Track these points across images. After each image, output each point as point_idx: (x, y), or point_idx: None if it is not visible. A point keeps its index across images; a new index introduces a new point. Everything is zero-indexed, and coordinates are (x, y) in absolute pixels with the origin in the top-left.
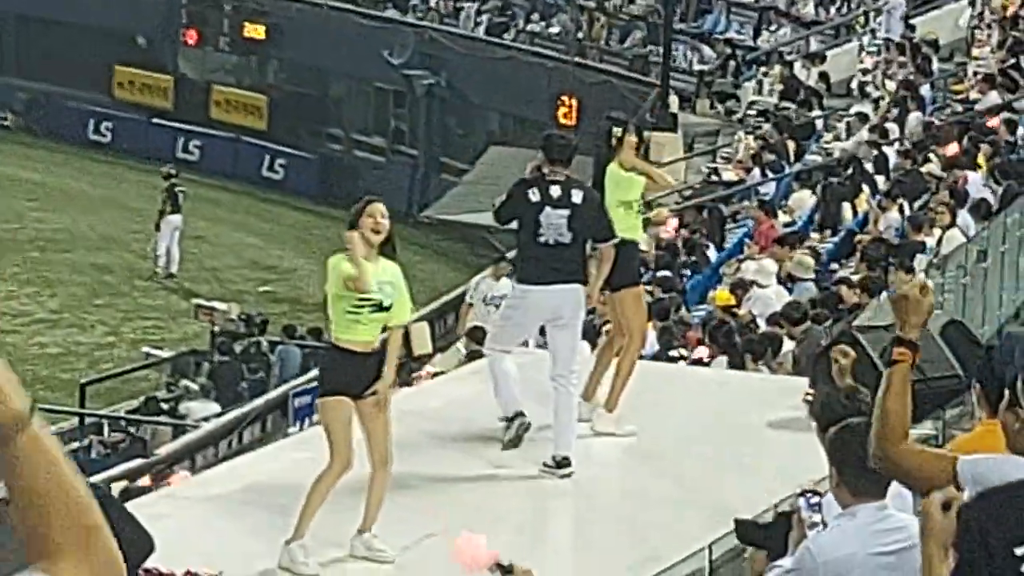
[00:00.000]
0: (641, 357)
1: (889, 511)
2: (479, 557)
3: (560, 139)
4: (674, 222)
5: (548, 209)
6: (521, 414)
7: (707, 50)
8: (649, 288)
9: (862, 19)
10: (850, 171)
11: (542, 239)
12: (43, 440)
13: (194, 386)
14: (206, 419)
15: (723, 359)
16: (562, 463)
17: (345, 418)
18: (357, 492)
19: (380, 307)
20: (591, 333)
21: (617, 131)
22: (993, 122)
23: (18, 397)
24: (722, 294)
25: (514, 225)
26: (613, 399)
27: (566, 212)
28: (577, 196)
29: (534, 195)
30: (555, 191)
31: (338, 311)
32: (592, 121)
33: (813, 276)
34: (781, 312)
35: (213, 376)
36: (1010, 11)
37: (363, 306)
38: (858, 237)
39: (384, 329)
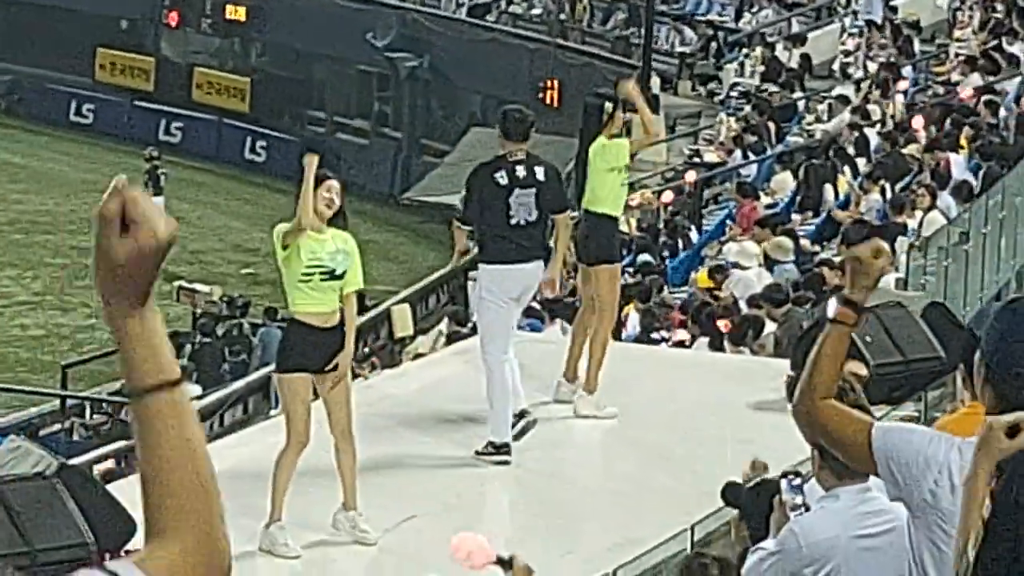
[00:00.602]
0: (622, 339)
1: (872, 493)
2: (479, 555)
3: (517, 114)
4: (668, 195)
5: (517, 190)
6: (507, 448)
7: (689, 32)
8: (630, 270)
9: (843, 1)
10: (831, 152)
11: (513, 220)
12: (184, 409)
13: None
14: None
15: (704, 341)
16: (502, 448)
17: (304, 395)
18: (331, 473)
19: (332, 275)
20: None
21: (609, 106)
22: (966, 93)
23: (171, 363)
24: (703, 276)
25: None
26: (591, 380)
27: (533, 191)
28: (540, 173)
29: (502, 178)
30: (521, 171)
31: (291, 283)
32: (575, 103)
33: (792, 258)
34: (763, 294)
35: (194, 358)
36: None
37: (312, 272)
38: (836, 213)
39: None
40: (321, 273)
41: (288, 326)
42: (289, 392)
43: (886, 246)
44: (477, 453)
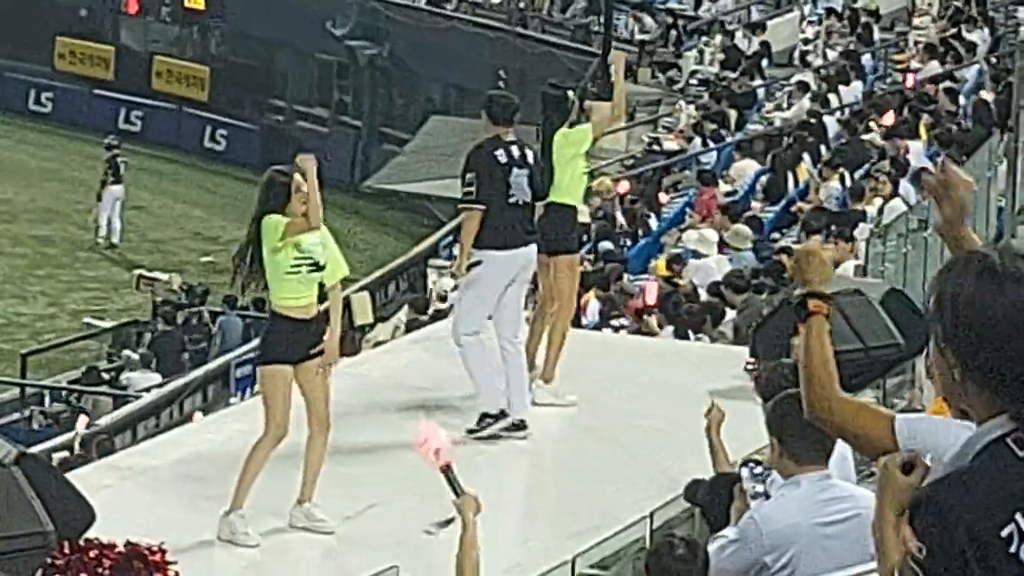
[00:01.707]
0: (582, 326)
1: (833, 480)
2: (439, 450)
3: (503, 99)
4: (624, 185)
5: (515, 170)
6: (505, 414)
7: (648, 20)
8: (589, 257)
9: None
10: (791, 140)
11: (512, 199)
12: None
13: (135, 357)
14: (147, 390)
15: (670, 329)
16: (519, 425)
17: (284, 387)
18: (298, 462)
19: (317, 266)
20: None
21: (572, 96)
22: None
23: None
24: (661, 264)
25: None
26: (549, 368)
27: (526, 171)
28: (530, 155)
29: (502, 156)
30: (515, 151)
31: (276, 276)
32: (533, 91)
33: (750, 246)
34: (724, 280)
35: (154, 347)
36: None
37: (300, 265)
38: (798, 205)
39: (322, 293)
40: (308, 265)
41: (271, 319)
42: (270, 384)
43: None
44: (470, 432)
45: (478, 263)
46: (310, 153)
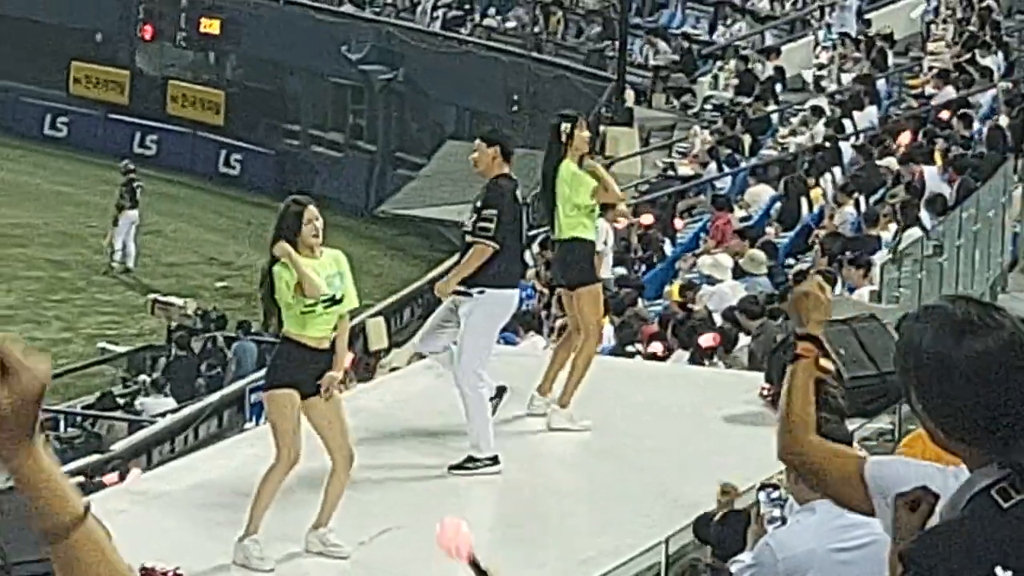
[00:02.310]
0: (596, 351)
1: None
2: (462, 545)
3: (506, 135)
4: (649, 217)
5: (523, 208)
6: (497, 460)
7: (663, 45)
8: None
9: (817, 14)
10: (806, 165)
11: (524, 239)
12: (99, 536)
13: (150, 381)
14: (162, 415)
15: (684, 354)
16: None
17: (292, 412)
18: (312, 486)
19: (333, 300)
20: (543, 328)
21: (566, 126)
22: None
23: (75, 497)
24: (675, 290)
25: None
26: (567, 395)
27: (525, 210)
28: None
29: (518, 195)
30: (519, 190)
31: (292, 314)
32: (547, 116)
33: (765, 271)
34: (738, 306)
35: (168, 372)
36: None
37: (315, 305)
38: (815, 232)
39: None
40: (324, 302)
41: (281, 344)
42: (277, 409)
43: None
44: (452, 468)
45: (467, 295)
46: (325, 178)
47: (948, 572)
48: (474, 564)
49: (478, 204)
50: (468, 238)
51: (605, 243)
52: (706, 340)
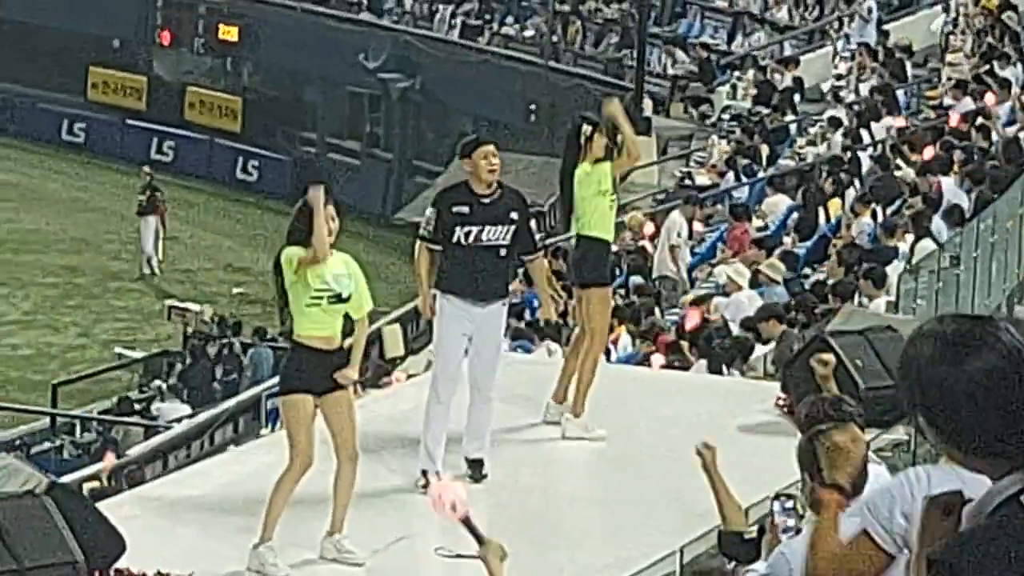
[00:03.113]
0: (613, 360)
1: None
2: (455, 503)
3: None
4: (650, 227)
5: None
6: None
7: (681, 54)
8: (621, 291)
9: (836, 24)
10: (824, 175)
11: None
12: None
13: (165, 387)
14: (178, 420)
15: (703, 364)
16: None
17: (306, 417)
18: (326, 492)
19: (339, 298)
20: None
21: (587, 129)
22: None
23: None
24: (688, 300)
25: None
26: (579, 403)
27: None
28: None
29: None
30: None
31: (298, 306)
32: (565, 124)
33: (781, 281)
34: (762, 313)
35: (184, 377)
36: (983, 20)
37: (321, 296)
38: (832, 242)
39: (347, 326)
40: (329, 297)
41: (292, 349)
42: (292, 414)
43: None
44: (479, 479)
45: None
46: (342, 185)
47: None
48: (467, 523)
49: (516, 216)
50: (529, 256)
51: (679, 235)
52: (692, 319)
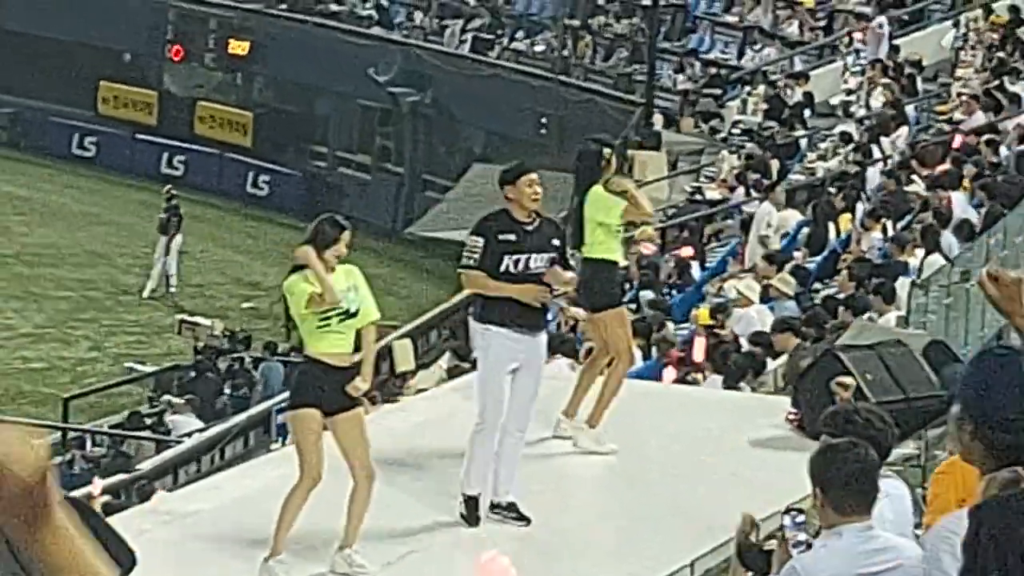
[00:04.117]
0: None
1: (875, 531)
2: None
3: None
4: (654, 246)
5: None
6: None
7: (691, 69)
8: (632, 306)
9: (846, 39)
10: (835, 191)
11: None
12: (66, 530)
13: (178, 400)
14: (188, 434)
15: (717, 379)
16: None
17: (315, 432)
18: (339, 506)
19: (348, 314)
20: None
21: (607, 152)
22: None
23: (104, 568)
24: (703, 313)
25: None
26: (597, 416)
27: None
28: None
29: None
30: None
31: (308, 329)
32: (575, 139)
33: (793, 295)
34: (772, 328)
35: (194, 391)
36: (996, 34)
37: (330, 317)
38: (842, 257)
39: (359, 339)
40: (338, 316)
41: (303, 364)
42: (301, 429)
43: None
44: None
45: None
46: (353, 199)
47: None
48: None
49: (557, 243)
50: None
51: (769, 225)
52: (698, 349)
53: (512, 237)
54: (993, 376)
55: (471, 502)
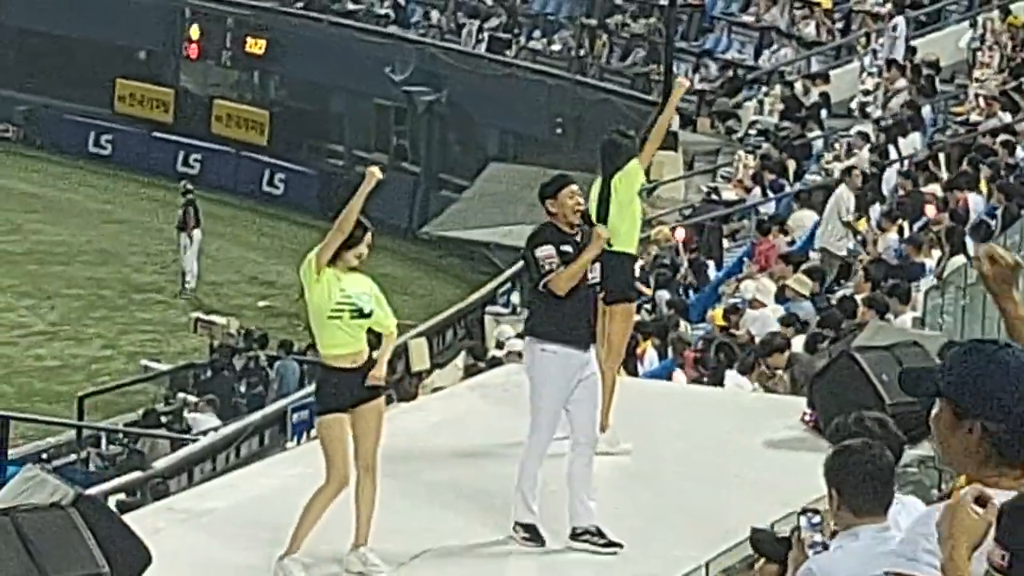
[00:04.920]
0: (639, 375)
1: (892, 532)
2: None
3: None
4: (681, 232)
5: None
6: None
7: (708, 69)
8: (648, 306)
9: (863, 40)
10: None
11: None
12: None
13: (194, 399)
14: (204, 433)
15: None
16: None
17: (342, 435)
18: (348, 506)
19: (360, 313)
20: None
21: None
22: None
23: None
24: (718, 314)
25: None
26: (604, 418)
27: None
28: None
29: None
30: None
31: (319, 321)
32: (591, 139)
33: (808, 295)
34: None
35: (209, 390)
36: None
37: (342, 310)
38: (860, 257)
39: (372, 340)
40: (351, 311)
41: (321, 371)
42: (328, 434)
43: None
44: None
45: None
46: (368, 198)
47: None
48: None
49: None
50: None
51: (847, 210)
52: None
53: (569, 249)
54: (991, 370)
55: (531, 530)
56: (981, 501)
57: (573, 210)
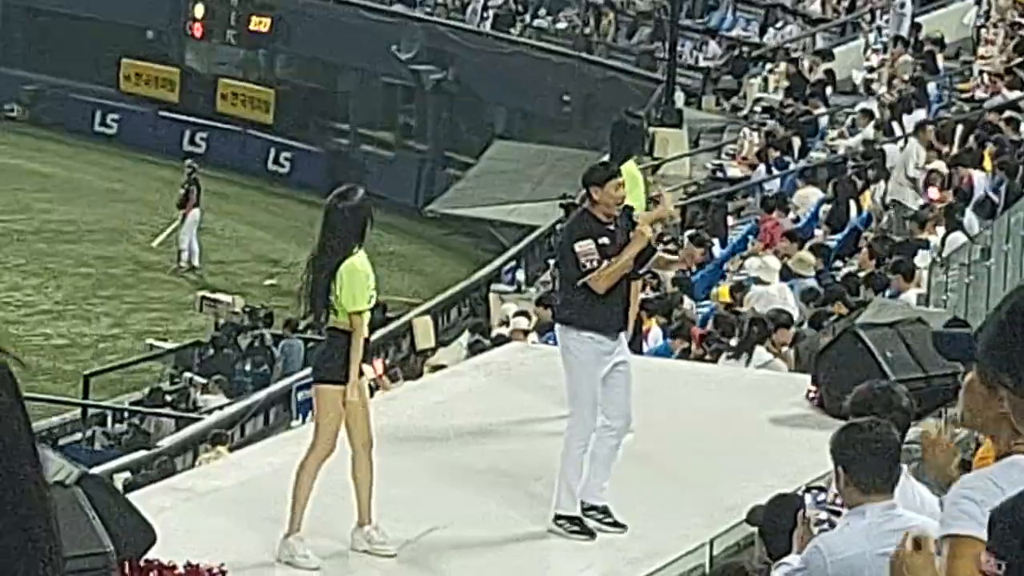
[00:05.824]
0: (644, 353)
1: (899, 510)
2: None
3: None
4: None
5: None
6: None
7: (713, 46)
8: (653, 282)
9: (868, 17)
10: (856, 168)
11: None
12: None
13: (201, 380)
14: (209, 411)
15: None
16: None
17: (340, 406)
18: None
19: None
20: None
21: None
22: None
23: None
24: (723, 291)
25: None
26: None
27: None
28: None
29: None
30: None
31: (358, 306)
32: (599, 117)
33: (813, 273)
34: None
35: (215, 368)
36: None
37: (374, 296)
38: (863, 235)
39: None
40: (374, 295)
41: (334, 337)
42: (331, 402)
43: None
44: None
45: None
46: (375, 177)
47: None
48: None
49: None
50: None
51: (917, 167)
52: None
53: (606, 240)
54: None
55: (576, 522)
56: (917, 545)
57: (617, 202)
